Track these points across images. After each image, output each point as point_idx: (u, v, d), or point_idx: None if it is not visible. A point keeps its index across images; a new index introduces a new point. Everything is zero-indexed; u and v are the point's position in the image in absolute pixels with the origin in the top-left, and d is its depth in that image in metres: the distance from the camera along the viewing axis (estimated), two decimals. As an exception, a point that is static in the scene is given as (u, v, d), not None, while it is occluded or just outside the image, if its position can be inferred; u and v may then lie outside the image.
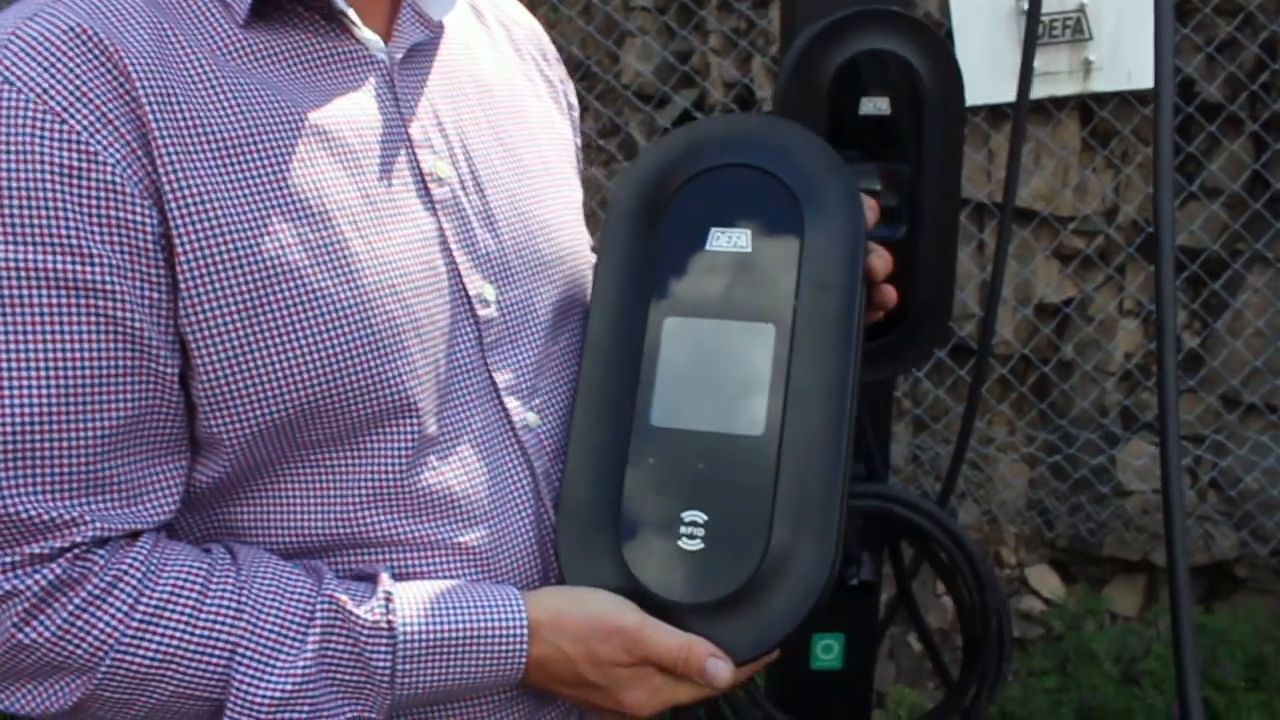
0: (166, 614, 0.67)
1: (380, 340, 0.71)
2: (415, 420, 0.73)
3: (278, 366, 0.68)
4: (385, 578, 0.72)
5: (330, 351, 0.69)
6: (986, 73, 2.20)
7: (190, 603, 0.67)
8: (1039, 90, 2.22)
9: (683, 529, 0.74)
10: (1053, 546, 2.47)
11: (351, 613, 0.69)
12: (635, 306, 0.80)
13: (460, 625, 0.71)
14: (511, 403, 0.79)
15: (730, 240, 0.81)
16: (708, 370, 0.78)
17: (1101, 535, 2.38)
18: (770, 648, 0.74)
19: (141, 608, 0.66)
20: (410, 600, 0.71)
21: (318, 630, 0.68)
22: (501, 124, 0.84)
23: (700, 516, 0.74)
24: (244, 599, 0.68)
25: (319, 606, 0.69)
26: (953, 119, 1.06)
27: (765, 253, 0.80)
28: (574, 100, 0.99)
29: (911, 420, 2.43)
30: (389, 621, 0.69)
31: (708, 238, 0.81)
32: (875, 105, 1.04)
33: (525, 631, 0.72)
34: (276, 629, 0.68)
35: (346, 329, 0.70)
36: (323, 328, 0.69)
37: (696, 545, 0.74)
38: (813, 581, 0.74)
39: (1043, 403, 2.39)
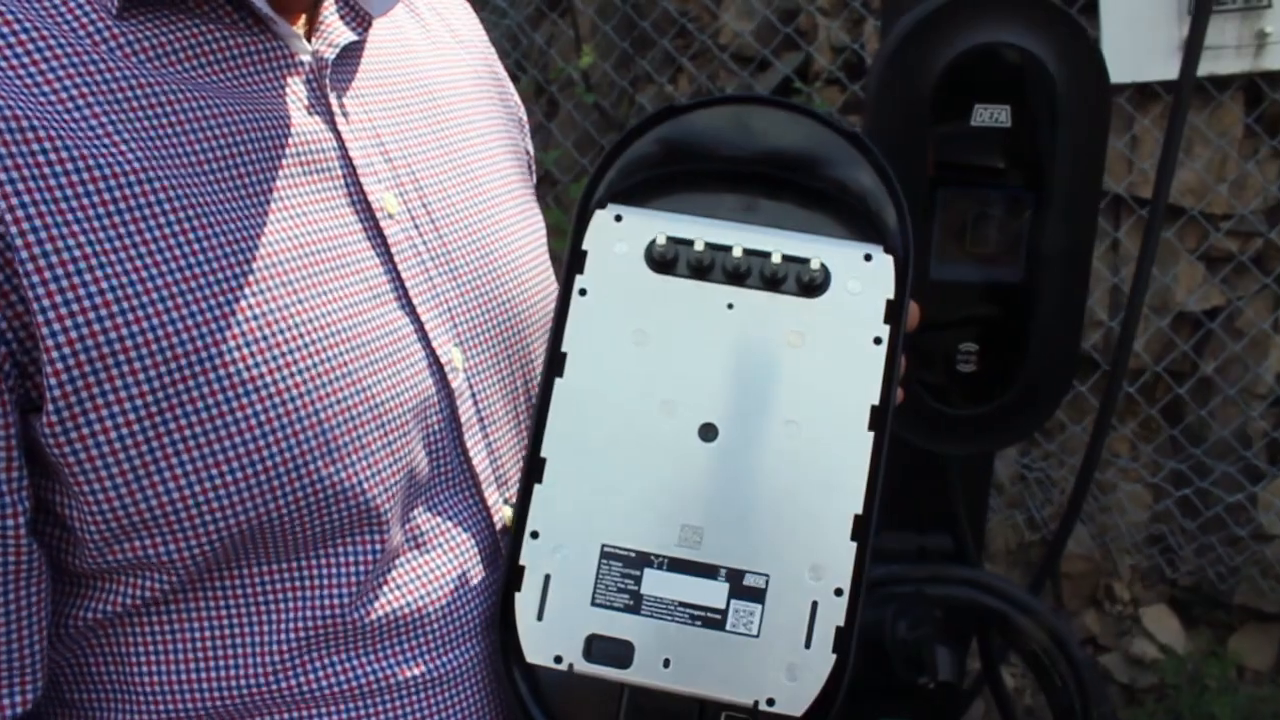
0: None
1: (333, 436, 0.54)
2: (377, 535, 0.56)
3: (195, 486, 0.51)
4: None
5: (269, 456, 0.52)
6: (1134, 45, 1.91)
7: None
8: (1199, 67, 1.91)
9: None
10: (1174, 585, 2.20)
11: None
12: None
13: None
14: (491, 495, 0.63)
15: None
16: None
17: (1233, 582, 2.09)
18: None
19: None
20: None
21: None
22: (450, 138, 0.67)
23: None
24: None
25: None
26: (1093, 134, 0.83)
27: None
28: (517, 98, 0.80)
29: (1020, 435, 2.18)
30: None
31: None
32: (992, 115, 0.82)
33: None
34: None
35: (289, 425, 0.52)
36: (256, 426, 0.51)
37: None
38: None
39: (1175, 427, 2.10)
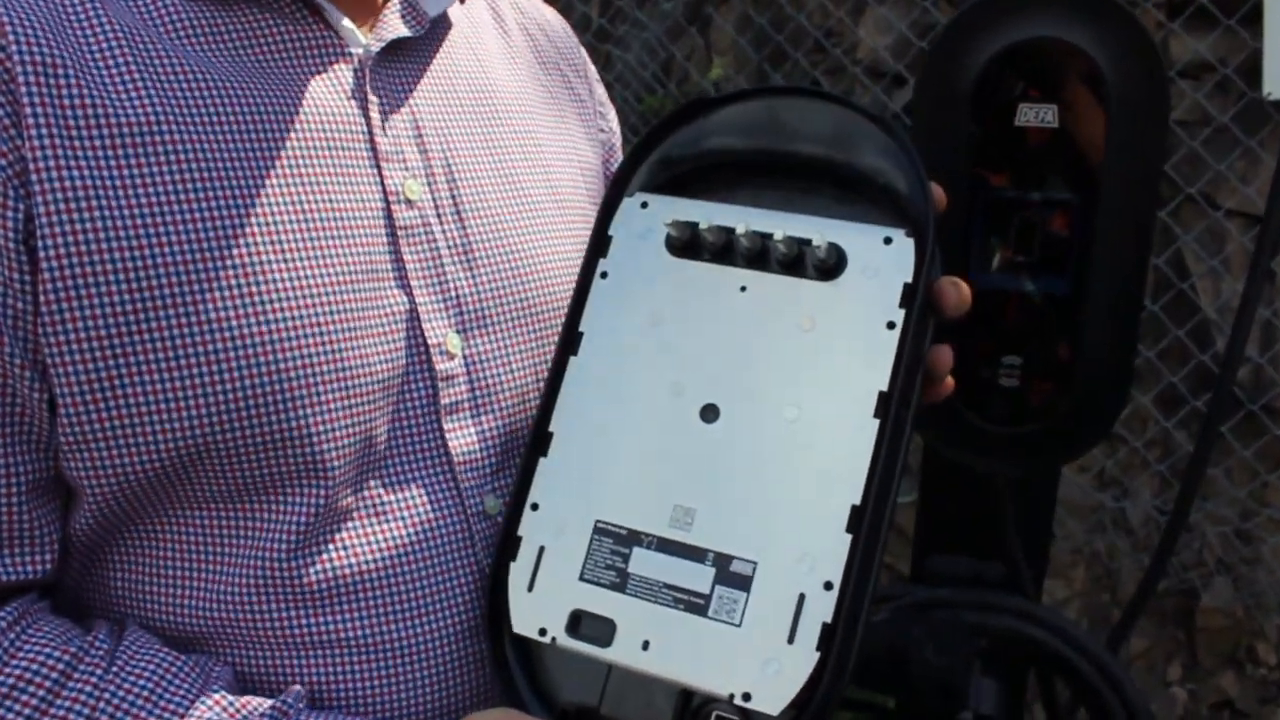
0: (4, 706, 0.56)
1: (289, 386, 0.58)
2: (321, 489, 0.59)
3: (151, 406, 0.56)
4: (293, 695, 0.59)
5: (223, 394, 0.57)
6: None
7: (36, 699, 0.56)
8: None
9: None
10: (1328, 652, 2.00)
11: None
12: None
13: None
14: (468, 480, 0.64)
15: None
16: None
17: (1394, 652, 1.89)
18: None
19: None
20: None
21: None
22: (502, 143, 0.70)
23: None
24: (101, 705, 0.56)
25: None
26: (1148, 136, 0.77)
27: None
28: (613, 124, 0.82)
29: (1155, 476, 2.03)
30: None
31: None
32: (1038, 114, 0.77)
33: None
34: None
35: (248, 369, 0.57)
36: (215, 364, 0.57)
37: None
38: None
39: (1333, 477, 1.92)
